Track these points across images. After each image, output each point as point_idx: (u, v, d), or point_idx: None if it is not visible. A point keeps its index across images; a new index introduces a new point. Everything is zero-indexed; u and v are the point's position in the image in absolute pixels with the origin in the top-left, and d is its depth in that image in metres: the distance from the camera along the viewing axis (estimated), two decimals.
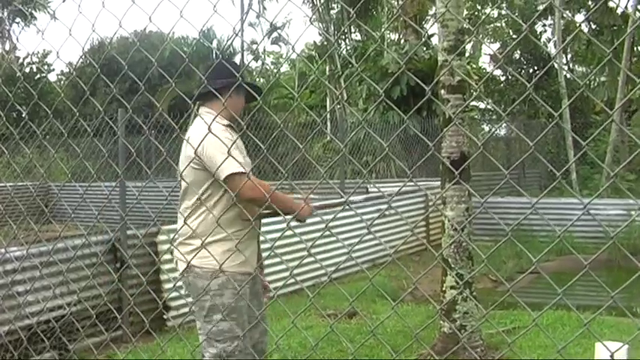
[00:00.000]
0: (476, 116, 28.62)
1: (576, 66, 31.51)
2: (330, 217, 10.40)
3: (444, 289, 7.75)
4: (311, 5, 30.11)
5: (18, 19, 40.06)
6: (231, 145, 4.01)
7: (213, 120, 4.10)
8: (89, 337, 7.54)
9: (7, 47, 40.68)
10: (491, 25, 30.99)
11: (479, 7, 30.82)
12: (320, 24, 29.81)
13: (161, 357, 6.65)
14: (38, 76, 34.78)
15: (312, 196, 12.37)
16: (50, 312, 7.31)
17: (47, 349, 6.90)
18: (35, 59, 36.17)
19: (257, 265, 5.01)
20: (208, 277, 4.67)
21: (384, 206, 12.62)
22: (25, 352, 6.75)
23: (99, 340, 7.55)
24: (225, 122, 4.83)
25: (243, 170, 4.54)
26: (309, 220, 10.79)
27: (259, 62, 39.99)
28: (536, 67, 29.58)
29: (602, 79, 26.40)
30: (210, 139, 4.27)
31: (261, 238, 5.26)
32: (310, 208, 5.07)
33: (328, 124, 24.48)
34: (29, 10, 36.80)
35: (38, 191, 18.03)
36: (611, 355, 2.40)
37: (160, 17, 3.35)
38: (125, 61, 3.44)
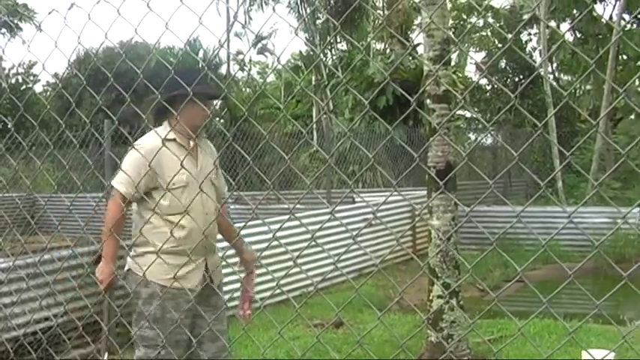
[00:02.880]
0: (462, 125, 28.67)
1: (562, 74, 31.59)
2: (317, 227, 10.41)
3: (430, 298, 7.76)
4: (296, 15, 30.11)
5: (4, 30, 39.98)
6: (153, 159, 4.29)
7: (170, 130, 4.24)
8: (76, 348, 7.51)
9: None
10: (477, 34, 31.07)
11: (464, 17, 30.91)
12: (305, 34, 29.83)
13: None
14: (24, 87, 34.72)
15: (298, 206, 12.37)
16: (37, 323, 7.30)
17: None
18: (21, 70, 36.12)
19: (201, 281, 5.02)
20: (140, 283, 4.89)
21: (371, 216, 12.63)
22: None
23: (85, 351, 7.52)
24: (171, 136, 4.83)
25: (117, 187, 4.88)
26: (296, 230, 10.80)
27: (245, 72, 40.05)
28: (521, 76, 29.65)
29: (588, 87, 26.51)
30: (129, 154, 4.84)
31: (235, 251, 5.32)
32: (105, 276, 5.19)
33: (314, 134, 24.47)
34: (15, 21, 36.75)
35: (24, 202, 17.98)
36: None
37: (145, 28, 3.35)
38: (111, 71, 3.44)
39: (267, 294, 9.75)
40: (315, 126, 24.83)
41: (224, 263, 5.04)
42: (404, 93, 2.83)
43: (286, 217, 10.42)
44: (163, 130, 4.91)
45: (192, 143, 5.02)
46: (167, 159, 4.64)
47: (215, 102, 5.12)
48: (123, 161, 4.88)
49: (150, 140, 4.80)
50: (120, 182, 4.86)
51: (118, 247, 5.11)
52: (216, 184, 5.20)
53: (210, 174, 4.90)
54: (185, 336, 4.82)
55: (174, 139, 4.89)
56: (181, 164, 3.78)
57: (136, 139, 4.94)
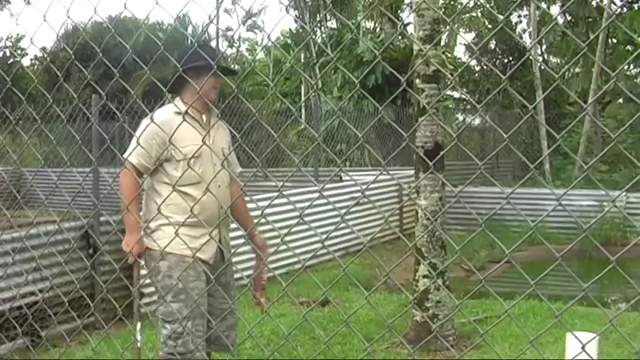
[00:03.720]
0: (450, 106, 28.64)
1: (551, 57, 31.57)
2: (305, 205, 10.40)
3: (416, 277, 7.78)
4: None
5: None
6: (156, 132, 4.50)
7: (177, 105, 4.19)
8: (61, 323, 7.51)
9: None
10: (467, 15, 30.96)
11: None
12: (295, 11, 29.70)
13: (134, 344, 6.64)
14: (11, 60, 34.50)
15: (286, 184, 12.34)
16: (23, 298, 7.28)
17: (19, 336, 6.88)
18: (9, 43, 35.85)
19: (215, 255, 5.07)
20: (157, 258, 4.84)
21: (358, 195, 12.63)
22: None
23: (71, 326, 7.52)
24: (183, 109, 4.80)
25: (130, 159, 4.85)
26: (284, 208, 10.79)
27: (234, 49, 39.88)
28: (511, 58, 29.64)
29: (577, 70, 26.50)
30: (140, 127, 4.82)
31: (234, 225, 5.31)
32: (136, 249, 4.95)
33: (303, 111, 24.40)
34: None
35: (11, 177, 17.92)
36: (583, 347, 2.42)
37: (134, 3, 3.33)
38: (99, 46, 3.41)
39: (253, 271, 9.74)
40: (303, 104, 24.75)
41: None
42: (394, 72, 2.82)
43: (274, 194, 10.42)
44: (175, 104, 5.00)
45: (204, 117, 5.10)
46: (179, 130, 4.56)
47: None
48: (134, 137, 4.88)
49: (161, 113, 4.90)
50: (132, 154, 4.84)
51: (139, 217, 5.03)
52: (229, 160, 5.26)
53: (222, 148, 5.07)
54: (207, 307, 4.89)
55: (186, 112, 4.74)
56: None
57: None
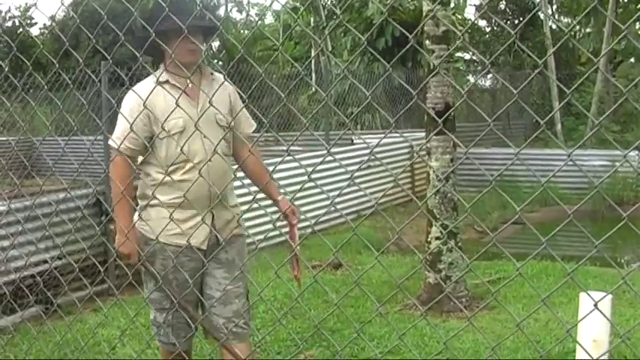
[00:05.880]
0: (461, 67, 28.49)
1: (562, 17, 31.35)
2: (311, 168, 10.38)
3: (429, 239, 7.77)
4: None
5: None
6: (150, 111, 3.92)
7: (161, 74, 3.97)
8: (74, 290, 7.53)
9: None
10: None
11: None
12: None
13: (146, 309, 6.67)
14: (20, 30, 34.49)
15: (297, 148, 12.29)
16: (36, 266, 7.31)
17: (32, 304, 6.89)
18: (17, 12, 35.82)
19: (209, 240, 4.53)
20: (141, 241, 4.49)
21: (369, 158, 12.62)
22: (10, 307, 6.73)
23: (84, 293, 7.54)
24: (164, 78, 4.32)
25: (113, 145, 4.35)
26: (294, 172, 10.74)
27: (244, 14, 39.71)
28: (521, 18, 29.43)
29: (588, 30, 26.32)
30: (123, 104, 4.28)
31: (241, 192, 5.12)
32: (128, 249, 4.44)
33: (313, 75, 24.31)
34: None
35: (21, 146, 17.94)
36: (595, 305, 2.40)
37: None
38: (106, 12, 3.36)
39: (264, 236, 9.76)
40: (313, 67, 24.66)
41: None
42: (403, 30, 2.78)
43: (285, 158, 10.40)
44: (158, 73, 4.38)
45: (192, 84, 4.44)
46: (161, 103, 4.23)
47: (200, 34, 4.48)
48: (119, 116, 4.36)
49: (141, 85, 4.41)
50: (116, 138, 4.33)
51: (132, 211, 4.46)
52: (236, 122, 4.55)
53: (214, 114, 4.30)
54: (194, 297, 4.48)
55: (166, 81, 4.35)
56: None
57: (132, 81, 4.58)
